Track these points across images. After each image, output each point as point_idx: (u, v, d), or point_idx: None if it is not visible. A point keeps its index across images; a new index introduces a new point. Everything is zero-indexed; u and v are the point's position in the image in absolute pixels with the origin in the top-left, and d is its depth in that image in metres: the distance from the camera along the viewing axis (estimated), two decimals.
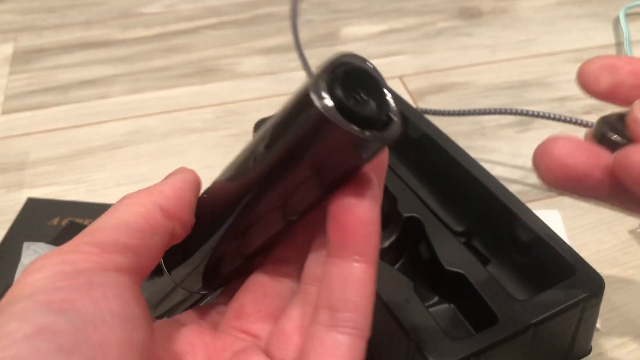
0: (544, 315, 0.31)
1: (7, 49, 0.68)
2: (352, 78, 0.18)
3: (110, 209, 0.22)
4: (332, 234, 0.20)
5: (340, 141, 0.18)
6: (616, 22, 0.70)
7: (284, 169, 0.20)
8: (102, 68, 0.65)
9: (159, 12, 0.75)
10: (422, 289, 0.36)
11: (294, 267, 0.24)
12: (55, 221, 0.46)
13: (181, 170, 0.25)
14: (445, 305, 0.36)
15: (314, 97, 0.18)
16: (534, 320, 0.30)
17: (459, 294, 0.34)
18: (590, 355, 0.36)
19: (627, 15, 0.70)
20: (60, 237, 0.44)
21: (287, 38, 0.69)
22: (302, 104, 0.18)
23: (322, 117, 0.17)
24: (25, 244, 0.41)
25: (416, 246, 0.38)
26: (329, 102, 0.18)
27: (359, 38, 0.70)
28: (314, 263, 0.22)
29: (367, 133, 0.18)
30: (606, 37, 0.69)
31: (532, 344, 0.31)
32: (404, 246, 0.39)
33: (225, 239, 0.23)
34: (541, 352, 0.32)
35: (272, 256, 0.24)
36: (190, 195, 0.23)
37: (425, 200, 0.41)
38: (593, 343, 0.36)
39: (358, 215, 0.20)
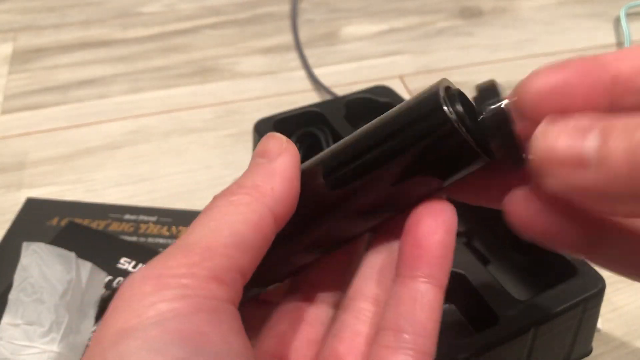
0: (545, 316, 0.31)
1: (6, 49, 0.68)
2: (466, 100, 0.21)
3: (216, 210, 0.20)
4: (408, 250, 0.20)
5: (456, 150, 0.19)
6: (617, 22, 0.70)
7: (394, 171, 0.20)
8: (102, 68, 0.65)
9: (158, 12, 0.75)
10: None
11: (329, 292, 0.23)
12: (55, 221, 0.46)
13: (287, 149, 0.22)
14: (445, 306, 0.36)
15: (445, 107, 0.19)
16: (534, 321, 0.30)
17: (460, 294, 0.34)
18: (591, 356, 0.36)
19: (628, 14, 0.70)
20: (59, 237, 0.44)
21: (287, 38, 0.69)
22: (430, 110, 0.20)
23: (451, 127, 0.19)
24: (25, 244, 0.41)
25: None
26: (457, 113, 0.20)
27: (359, 37, 0.70)
28: (365, 281, 0.22)
29: (479, 149, 0.19)
30: (607, 36, 0.69)
31: (533, 344, 0.31)
32: None
33: (306, 235, 0.22)
34: (542, 353, 0.32)
35: (304, 281, 0.24)
36: (297, 190, 0.21)
37: None
38: (594, 344, 0.36)
39: (437, 236, 0.20)
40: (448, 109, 0.19)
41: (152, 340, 0.16)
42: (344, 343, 0.21)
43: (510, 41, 0.69)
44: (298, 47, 0.66)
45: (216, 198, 0.20)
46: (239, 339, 0.18)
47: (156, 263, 0.18)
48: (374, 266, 0.22)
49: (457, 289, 0.35)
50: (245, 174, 0.21)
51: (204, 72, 0.64)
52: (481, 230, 0.39)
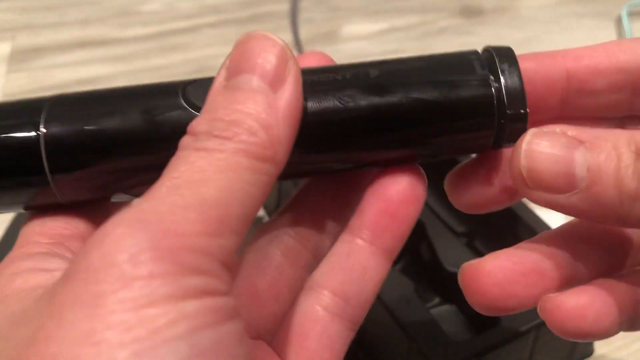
0: None
1: (4, 48, 0.67)
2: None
3: (223, 161, 0.14)
4: (369, 208, 0.19)
5: (484, 120, 0.19)
6: (618, 21, 0.70)
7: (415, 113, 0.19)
8: (101, 67, 0.65)
9: (157, 11, 0.75)
10: (423, 290, 0.36)
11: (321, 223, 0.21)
12: None
13: (293, 72, 0.16)
14: (446, 307, 0.36)
15: (487, 76, 0.20)
16: (536, 322, 0.30)
17: (461, 295, 0.34)
18: (592, 357, 0.36)
19: (630, 14, 0.69)
20: None
21: (287, 36, 0.68)
22: (469, 74, 0.20)
23: (488, 95, 0.19)
24: None
25: (417, 247, 0.38)
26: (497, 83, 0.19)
27: (359, 36, 0.69)
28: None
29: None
30: (609, 36, 0.69)
31: (535, 345, 0.31)
32: (405, 247, 0.39)
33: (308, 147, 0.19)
34: (543, 354, 0.32)
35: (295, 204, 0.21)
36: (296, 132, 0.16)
37: (427, 201, 0.41)
38: (595, 344, 0.36)
39: (400, 199, 0.19)
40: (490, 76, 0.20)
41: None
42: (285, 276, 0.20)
43: (511, 40, 0.68)
44: (298, 45, 0.65)
45: (212, 136, 0.15)
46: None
47: (165, 224, 0.13)
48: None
49: (458, 290, 0.34)
50: (225, 106, 0.15)
51: (204, 71, 0.64)
52: (482, 231, 0.39)
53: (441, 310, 0.36)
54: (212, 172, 0.14)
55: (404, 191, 0.20)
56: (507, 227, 0.37)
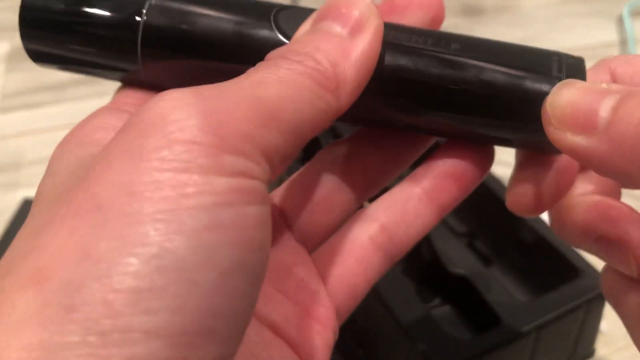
0: (547, 318, 0.30)
1: (3, 47, 0.67)
2: None
3: (284, 72, 0.16)
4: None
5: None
6: (620, 20, 0.70)
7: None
8: None
9: None
10: (423, 291, 0.36)
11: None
12: None
13: (374, 22, 0.17)
14: (447, 307, 0.36)
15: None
16: (537, 323, 0.30)
17: (461, 295, 0.34)
18: (593, 358, 0.36)
19: (631, 13, 0.69)
20: None
21: None
22: (545, 72, 0.20)
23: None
24: None
25: (418, 247, 0.38)
26: None
27: None
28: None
29: None
30: (610, 35, 0.68)
31: (535, 346, 0.31)
32: None
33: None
34: (544, 355, 0.32)
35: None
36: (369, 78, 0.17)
37: None
38: (597, 345, 0.36)
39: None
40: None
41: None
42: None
43: (512, 39, 0.68)
44: None
45: (282, 59, 0.16)
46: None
47: (218, 104, 0.14)
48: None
49: (459, 291, 0.34)
50: (306, 41, 0.17)
51: None
52: (483, 231, 0.39)
53: (441, 311, 0.36)
54: (274, 80, 0.15)
55: (472, 160, 0.21)
56: (509, 228, 0.37)
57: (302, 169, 0.22)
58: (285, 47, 0.17)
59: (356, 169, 0.22)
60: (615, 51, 0.66)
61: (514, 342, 0.30)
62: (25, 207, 0.47)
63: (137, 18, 0.19)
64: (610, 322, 0.40)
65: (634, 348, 0.38)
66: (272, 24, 0.19)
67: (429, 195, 0.21)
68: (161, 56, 0.20)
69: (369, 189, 0.22)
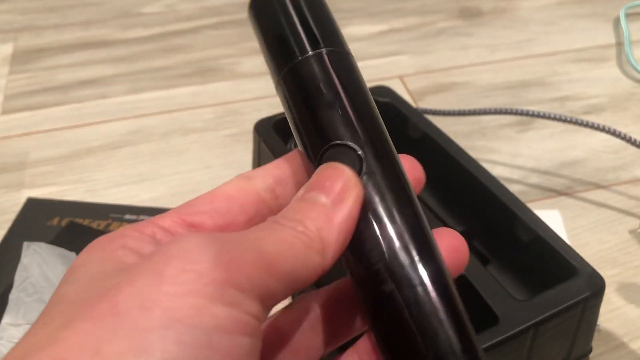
0: (545, 316, 0.31)
1: (6, 49, 0.68)
2: None
3: (274, 233, 0.19)
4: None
5: None
6: (616, 22, 0.70)
7: None
8: (102, 68, 0.65)
9: (158, 12, 0.75)
10: None
11: None
12: (55, 221, 0.46)
13: (355, 192, 0.20)
14: None
15: None
16: (534, 321, 0.30)
17: (459, 294, 0.34)
18: (590, 356, 0.36)
19: (628, 15, 0.70)
20: (60, 237, 0.44)
21: None
22: None
23: None
24: (25, 244, 0.41)
25: None
26: None
27: (359, 38, 0.70)
28: None
29: None
30: (606, 37, 0.69)
31: (533, 344, 0.31)
32: None
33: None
34: (542, 353, 0.32)
35: None
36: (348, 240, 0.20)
37: (425, 200, 0.41)
38: (593, 343, 0.36)
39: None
40: None
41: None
42: None
43: (510, 41, 0.69)
44: None
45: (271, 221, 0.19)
46: None
47: (230, 250, 0.17)
48: None
49: (456, 289, 0.35)
50: (296, 209, 0.20)
51: (204, 72, 0.64)
52: (481, 230, 0.39)
53: None
54: (272, 238, 0.18)
55: None
56: (506, 227, 0.37)
57: (277, 313, 0.24)
58: (281, 214, 0.20)
59: (326, 319, 0.23)
60: (612, 52, 0.66)
61: (511, 340, 0.30)
62: (29, 207, 0.47)
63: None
64: (607, 320, 0.40)
65: (631, 346, 0.39)
66: None
67: None
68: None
69: (334, 341, 0.23)
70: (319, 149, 0.21)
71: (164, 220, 0.20)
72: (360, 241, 0.20)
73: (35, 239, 0.42)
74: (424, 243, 0.21)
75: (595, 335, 0.36)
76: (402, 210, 0.21)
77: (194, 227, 0.20)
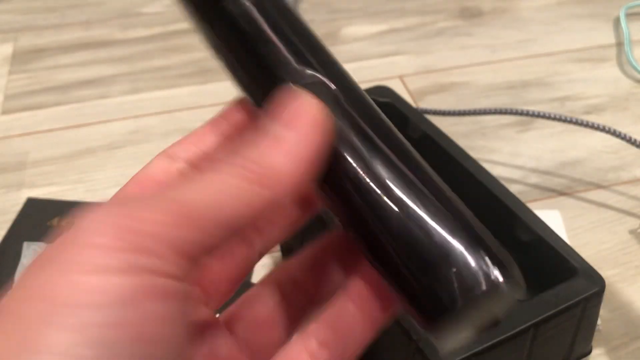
0: (545, 316, 0.31)
1: (7, 49, 0.68)
2: None
3: (217, 178, 0.17)
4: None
5: None
6: (617, 22, 0.70)
7: None
8: (102, 68, 0.65)
9: (159, 12, 0.75)
10: None
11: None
12: (55, 221, 0.46)
13: (321, 126, 0.18)
14: None
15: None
16: (534, 321, 0.30)
17: None
18: (590, 356, 0.36)
19: (628, 15, 0.70)
20: None
21: None
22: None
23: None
24: (26, 244, 0.41)
25: None
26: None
27: (359, 38, 0.70)
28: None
29: None
30: (607, 37, 0.69)
31: (533, 344, 0.31)
32: None
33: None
34: (542, 353, 0.32)
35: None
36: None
37: None
38: (594, 343, 0.36)
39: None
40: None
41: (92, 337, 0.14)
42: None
43: (510, 41, 0.69)
44: None
45: (224, 163, 0.17)
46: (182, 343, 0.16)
47: (132, 210, 0.16)
48: None
49: None
50: (259, 146, 0.18)
51: (205, 72, 0.64)
52: None
53: None
54: (197, 186, 0.17)
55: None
56: (506, 227, 0.37)
57: (253, 288, 0.23)
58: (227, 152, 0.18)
59: (298, 287, 0.22)
60: (612, 52, 0.66)
61: (511, 340, 0.30)
62: (29, 207, 0.47)
63: None
64: (607, 320, 0.40)
65: (631, 346, 0.39)
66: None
67: (362, 311, 0.21)
68: None
69: (310, 303, 0.22)
70: (271, 89, 0.19)
71: None
72: (345, 171, 0.18)
73: (35, 239, 0.42)
74: (409, 157, 0.20)
75: (595, 335, 0.36)
76: (382, 131, 0.19)
77: None
